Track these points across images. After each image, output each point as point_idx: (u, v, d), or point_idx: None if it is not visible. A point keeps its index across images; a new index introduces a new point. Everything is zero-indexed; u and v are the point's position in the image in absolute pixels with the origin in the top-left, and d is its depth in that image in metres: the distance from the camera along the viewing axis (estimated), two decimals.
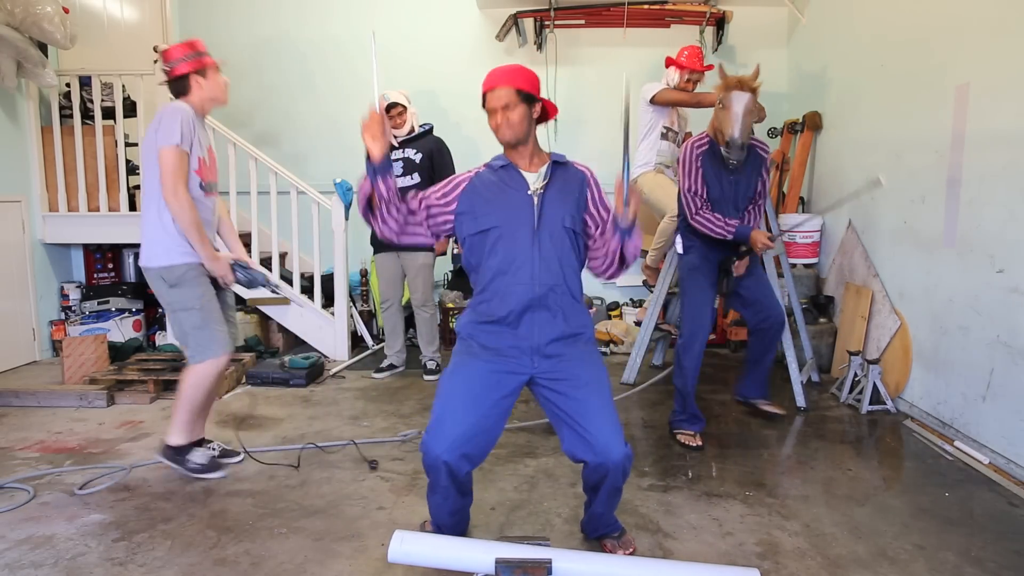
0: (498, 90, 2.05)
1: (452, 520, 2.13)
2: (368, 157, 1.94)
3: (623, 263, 2.09)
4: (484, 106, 2.08)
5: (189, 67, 2.65)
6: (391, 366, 4.33)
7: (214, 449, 2.86)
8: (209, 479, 2.72)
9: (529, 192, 2.05)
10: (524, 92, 2.05)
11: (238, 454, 2.93)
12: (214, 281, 2.76)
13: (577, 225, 2.08)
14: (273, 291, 3.00)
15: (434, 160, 4.10)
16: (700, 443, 3.07)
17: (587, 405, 1.98)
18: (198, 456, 2.75)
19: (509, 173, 2.09)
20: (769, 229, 3.73)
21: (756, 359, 3.41)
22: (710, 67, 4.16)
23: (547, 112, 2.14)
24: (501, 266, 2.03)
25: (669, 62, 4.23)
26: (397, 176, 4.04)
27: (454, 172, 4.04)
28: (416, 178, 4.09)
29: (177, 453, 2.74)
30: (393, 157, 4.08)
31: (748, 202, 3.17)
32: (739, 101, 2.95)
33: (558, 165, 2.11)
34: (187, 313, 2.66)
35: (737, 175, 3.10)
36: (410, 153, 4.11)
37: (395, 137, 4.09)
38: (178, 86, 2.68)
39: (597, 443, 1.93)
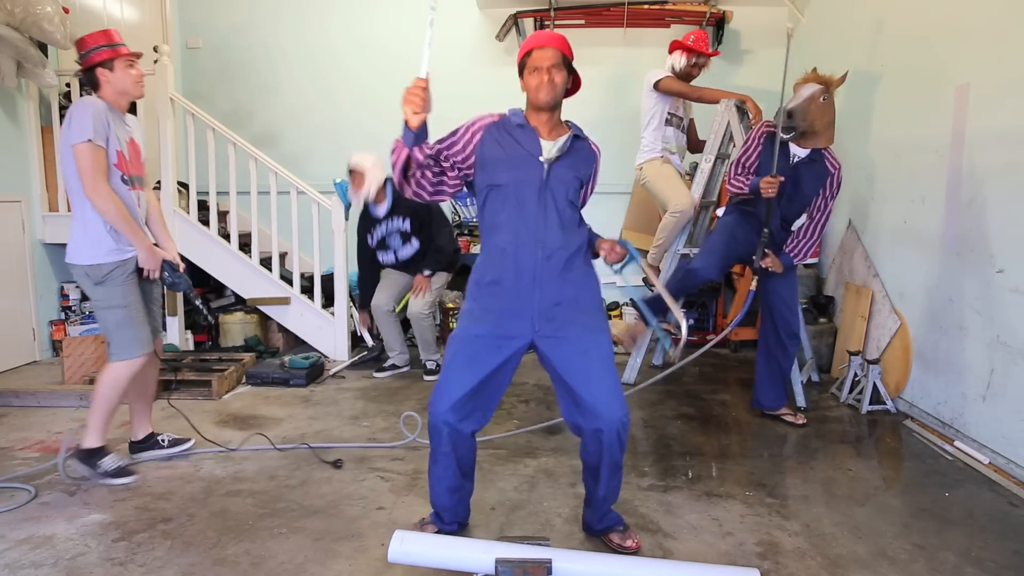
0: (548, 49, 2.05)
1: (452, 500, 2.15)
2: (406, 125, 1.90)
3: None
4: (523, 65, 2.08)
5: (97, 59, 2.57)
6: (393, 366, 4.33)
7: (163, 442, 2.93)
8: (114, 485, 2.65)
9: (542, 159, 2.06)
10: (568, 60, 2.10)
11: (189, 440, 2.99)
12: (140, 271, 2.71)
13: (577, 197, 2.14)
14: (196, 307, 2.96)
15: (422, 219, 4.07)
16: (621, 340, 3.48)
17: (587, 370, 2.01)
18: (108, 461, 2.69)
19: (527, 134, 2.09)
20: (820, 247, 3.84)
21: (760, 365, 3.44)
22: (716, 52, 4.10)
23: (572, 88, 2.19)
24: (508, 224, 2.06)
25: (675, 46, 4.08)
26: (397, 249, 4.10)
27: (447, 223, 4.13)
28: (415, 243, 4.09)
29: (90, 456, 2.67)
30: (382, 234, 4.09)
31: (800, 208, 3.24)
32: (806, 87, 3.13)
33: (577, 139, 2.13)
34: (111, 311, 2.63)
35: (797, 174, 3.16)
36: (398, 223, 4.07)
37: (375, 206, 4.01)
38: (88, 78, 2.61)
39: (593, 408, 1.98)
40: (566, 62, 2.08)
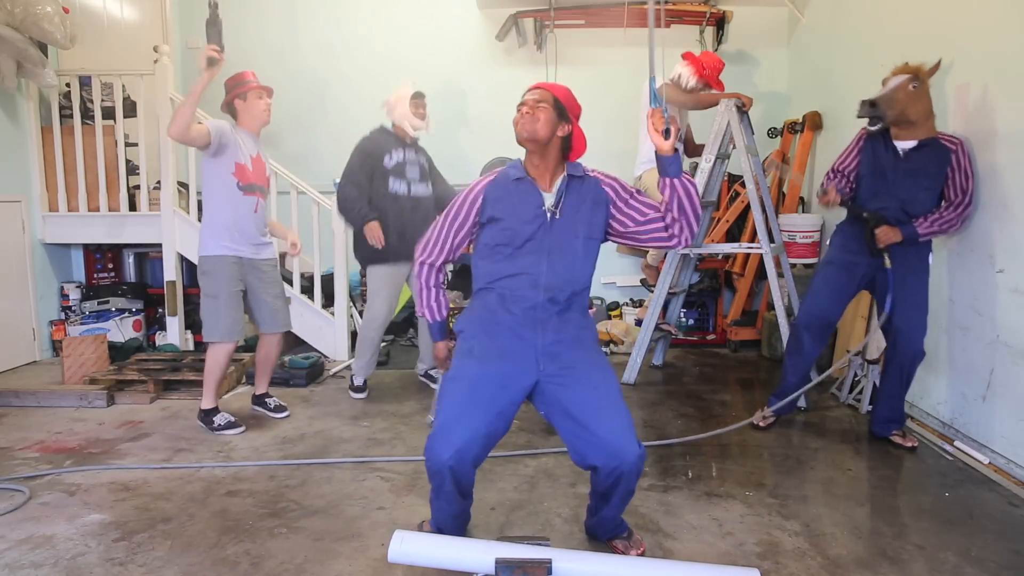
0: (538, 90, 2.08)
1: (456, 523, 2.14)
2: (431, 327, 2.26)
3: (691, 215, 2.03)
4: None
5: (231, 96, 3.30)
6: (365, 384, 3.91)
7: (270, 404, 3.52)
8: (229, 436, 3.21)
9: (543, 208, 2.06)
10: (560, 104, 2.06)
11: (286, 410, 3.54)
12: (254, 274, 3.29)
13: (595, 233, 2.09)
14: None
15: (432, 167, 3.90)
16: (762, 423, 3.33)
17: (598, 407, 1.96)
18: (220, 418, 3.27)
19: (525, 187, 2.09)
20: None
21: (881, 387, 3.19)
22: (720, 86, 4.05)
23: (573, 145, 2.14)
24: (510, 272, 2.05)
25: (690, 58, 4.01)
26: (415, 181, 3.76)
27: (440, 177, 3.92)
28: (428, 188, 3.80)
29: (207, 415, 3.28)
30: (401, 159, 3.70)
31: (925, 195, 2.97)
32: (893, 79, 2.99)
33: (573, 179, 2.10)
34: (207, 299, 3.20)
35: (910, 164, 2.99)
36: (422, 159, 3.82)
37: (412, 132, 3.74)
38: (228, 109, 3.34)
39: (610, 445, 1.90)
40: (558, 106, 2.05)
